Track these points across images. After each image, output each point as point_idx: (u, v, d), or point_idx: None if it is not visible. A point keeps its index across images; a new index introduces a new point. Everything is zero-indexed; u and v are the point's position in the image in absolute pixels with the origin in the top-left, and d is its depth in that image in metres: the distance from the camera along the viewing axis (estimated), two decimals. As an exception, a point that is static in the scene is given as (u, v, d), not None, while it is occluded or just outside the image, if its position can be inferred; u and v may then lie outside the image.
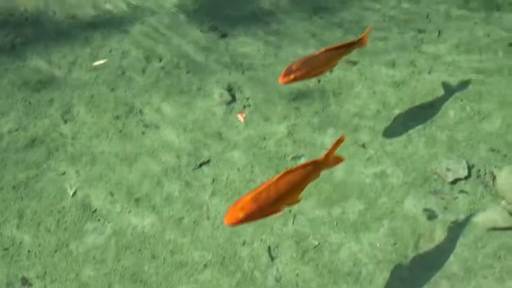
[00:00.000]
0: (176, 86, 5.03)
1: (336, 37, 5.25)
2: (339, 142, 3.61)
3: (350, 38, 5.12)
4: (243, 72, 5.09)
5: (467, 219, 4.13)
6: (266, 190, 3.29)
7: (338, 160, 3.70)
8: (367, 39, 4.35)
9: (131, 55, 5.29)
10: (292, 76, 3.97)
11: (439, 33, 5.24)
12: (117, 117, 4.84)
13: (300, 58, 4.08)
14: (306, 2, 5.63)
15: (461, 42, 5.17)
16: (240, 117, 4.79)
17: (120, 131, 4.75)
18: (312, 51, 4.12)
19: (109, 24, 5.56)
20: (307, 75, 4.05)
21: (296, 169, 3.44)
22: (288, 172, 3.39)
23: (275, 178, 3.35)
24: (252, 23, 5.48)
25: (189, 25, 5.52)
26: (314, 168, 3.52)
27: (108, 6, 5.72)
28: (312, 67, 4.04)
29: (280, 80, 3.99)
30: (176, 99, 4.94)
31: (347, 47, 4.24)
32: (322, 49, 4.14)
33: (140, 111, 4.88)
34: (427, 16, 5.39)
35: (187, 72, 5.13)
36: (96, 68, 5.19)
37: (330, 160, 3.63)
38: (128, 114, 4.86)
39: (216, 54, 5.25)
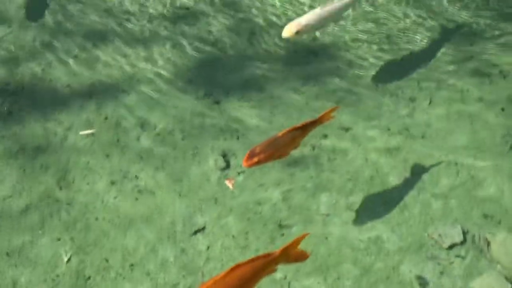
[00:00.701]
0: (171, 152, 5.06)
1: (330, 105, 5.30)
2: (301, 238, 3.31)
3: (343, 106, 5.19)
4: (237, 138, 5.14)
5: (464, 284, 4.11)
6: (213, 287, 2.99)
7: (302, 255, 3.37)
8: (329, 116, 4.33)
9: (126, 122, 5.32)
10: (255, 159, 3.97)
11: (430, 101, 5.31)
12: (112, 183, 4.86)
13: (264, 141, 4.10)
14: (299, 71, 5.71)
15: (453, 109, 5.23)
16: (229, 184, 4.81)
17: (115, 197, 4.76)
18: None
19: (104, 92, 5.62)
20: (270, 157, 4.05)
21: (247, 263, 3.10)
22: (237, 267, 3.06)
23: (223, 273, 3.03)
24: (246, 90, 5.55)
25: (183, 92, 5.58)
26: (267, 263, 3.18)
27: (103, 75, 5.78)
28: (276, 148, 4.04)
29: (244, 164, 3.97)
30: (171, 165, 4.97)
31: (309, 126, 4.23)
32: (284, 130, 4.16)
33: (136, 177, 4.89)
34: (418, 83, 5.47)
35: (182, 139, 5.17)
36: (94, 135, 5.22)
37: (290, 254, 3.28)
38: (123, 180, 4.87)
39: (211, 120, 5.30)
